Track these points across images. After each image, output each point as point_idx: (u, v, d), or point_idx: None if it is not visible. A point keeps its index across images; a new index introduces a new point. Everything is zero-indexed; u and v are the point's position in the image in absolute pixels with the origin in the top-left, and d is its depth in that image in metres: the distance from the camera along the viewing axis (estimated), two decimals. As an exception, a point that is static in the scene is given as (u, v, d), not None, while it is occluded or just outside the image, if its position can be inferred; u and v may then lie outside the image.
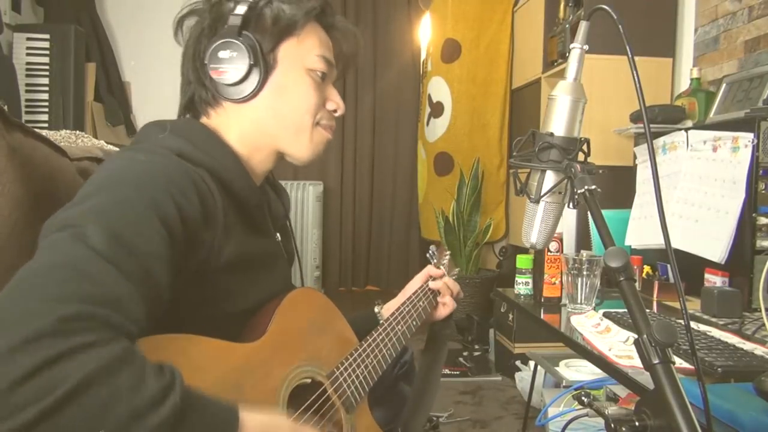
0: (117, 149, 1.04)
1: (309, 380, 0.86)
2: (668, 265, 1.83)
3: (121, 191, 0.69)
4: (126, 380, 0.54)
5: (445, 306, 1.26)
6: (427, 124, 3.99)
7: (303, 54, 0.90)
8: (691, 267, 1.72)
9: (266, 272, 0.90)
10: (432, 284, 1.25)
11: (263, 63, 0.87)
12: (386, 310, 1.19)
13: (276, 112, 0.90)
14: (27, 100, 3.28)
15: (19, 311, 0.53)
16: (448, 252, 1.40)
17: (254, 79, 0.87)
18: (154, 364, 0.58)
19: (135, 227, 0.66)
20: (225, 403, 0.63)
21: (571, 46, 0.84)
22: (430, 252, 1.34)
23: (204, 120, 0.91)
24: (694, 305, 1.59)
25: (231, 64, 0.86)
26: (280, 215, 1.01)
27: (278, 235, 1.00)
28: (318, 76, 0.91)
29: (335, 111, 0.95)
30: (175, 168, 0.76)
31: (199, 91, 0.90)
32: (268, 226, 0.95)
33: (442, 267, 1.31)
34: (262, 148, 0.91)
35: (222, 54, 0.86)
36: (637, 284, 0.78)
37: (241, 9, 0.86)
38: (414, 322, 1.15)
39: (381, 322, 1.09)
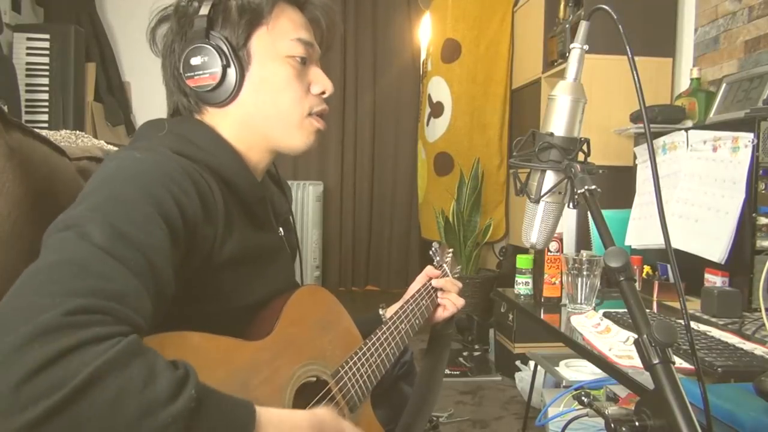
0: (117, 149, 1.04)
1: (314, 379, 0.85)
2: (668, 265, 1.83)
3: (120, 189, 0.69)
4: (138, 374, 0.53)
5: (446, 309, 1.25)
6: (427, 124, 3.99)
7: (276, 42, 0.87)
8: (691, 267, 1.72)
9: (269, 267, 0.90)
10: (435, 282, 1.24)
11: (236, 62, 0.84)
12: (390, 312, 1.19)
13: (260, 109, 0.88)
14: (27, 100, 3.29)
15: (26, 309, 0.53)
16: (450, 250, 1.39)
17: (231, 80, 0.85)
18: (167, 359, 0.57)
19: (135, 223, 0.65)
20: (240, 399, 0.61)
21: (571, 46, 0.84)
22: (433, 249, 1.33)
23: (199, 117, 0.90)
24: (694, 305, 1.59)
25: (205, 70, 0.84)
26: (283, 210, 1.00)
27: (281, 229, 0.99)
28: (297, 62, 0.88)
29: (323, 93, 0.91)
30: (172, 165, 0.75)
31: (181, 100, 0.89)
32: (270, 221, 0.94)
33: (444, 265, 1.30)
34: (256, 145, 0.90)
35: (194, 61, 0.84)
36: (637, 284, 0.77)
37: (205, 9, 0.84)
38: (417, 321, 1.15)
39: (385, 320, 1.09)
